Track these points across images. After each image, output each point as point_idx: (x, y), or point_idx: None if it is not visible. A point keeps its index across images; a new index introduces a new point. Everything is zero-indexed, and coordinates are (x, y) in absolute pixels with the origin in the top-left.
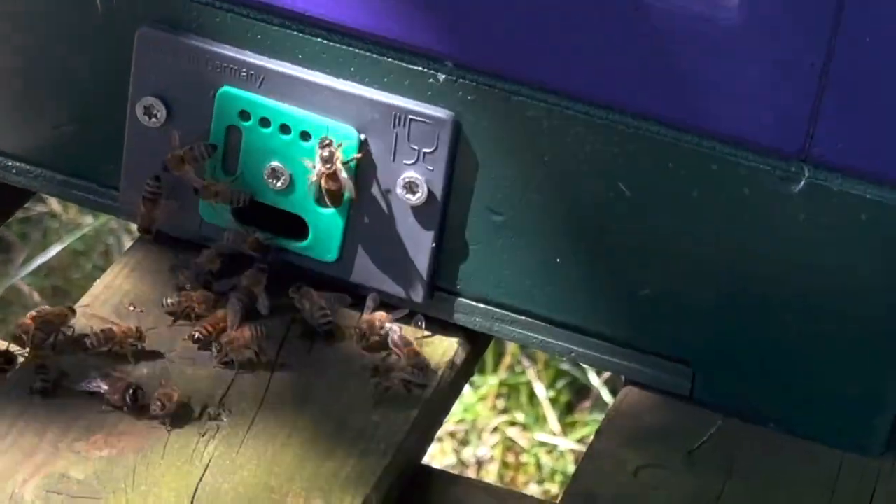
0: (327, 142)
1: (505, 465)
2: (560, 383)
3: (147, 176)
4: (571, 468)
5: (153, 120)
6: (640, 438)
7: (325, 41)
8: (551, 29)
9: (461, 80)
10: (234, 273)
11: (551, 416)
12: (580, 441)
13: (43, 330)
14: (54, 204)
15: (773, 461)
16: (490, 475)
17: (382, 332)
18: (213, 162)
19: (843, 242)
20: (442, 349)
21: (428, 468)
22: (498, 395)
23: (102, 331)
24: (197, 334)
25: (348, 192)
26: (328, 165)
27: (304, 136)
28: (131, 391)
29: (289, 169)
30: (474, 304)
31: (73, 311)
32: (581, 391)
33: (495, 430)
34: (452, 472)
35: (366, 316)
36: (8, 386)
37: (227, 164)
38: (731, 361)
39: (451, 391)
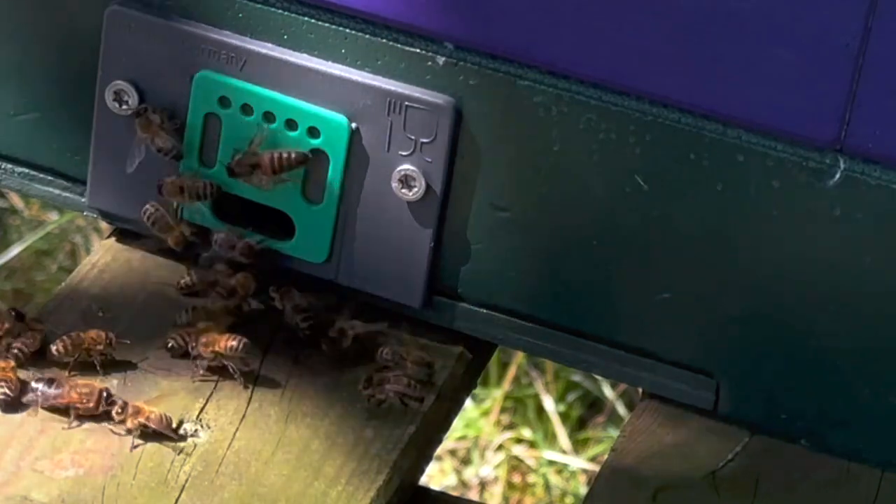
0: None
1: (510, 486)
2: (571, 396)
3: (117, 168)
4: (583, 490)
5: (124, 107)
6: (658, 457)
7: (312, 20)
8: (561, 7)
9: (462, 63)
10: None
11: (561, 432)
12: (593, 460)
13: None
14: (15, 199)
15: (805, 482)
16: (494, 497)
17: (355, 342)
18: (189, 154)
19: (881, 240)
20: (441, 359)
21: (426, 489)
22: (503, 410)
23: (69, 336)
24: (171, 343)
25: None
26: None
27: (290, 124)
28: (105, 395)
29: None
30: (477, 309)
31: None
32: (594, 405)
33: (500, 447)
34: (453, 493)
35: (338, 323)
36: None
37: (205, 155)
38: (759, 372)
39: (451, 405)
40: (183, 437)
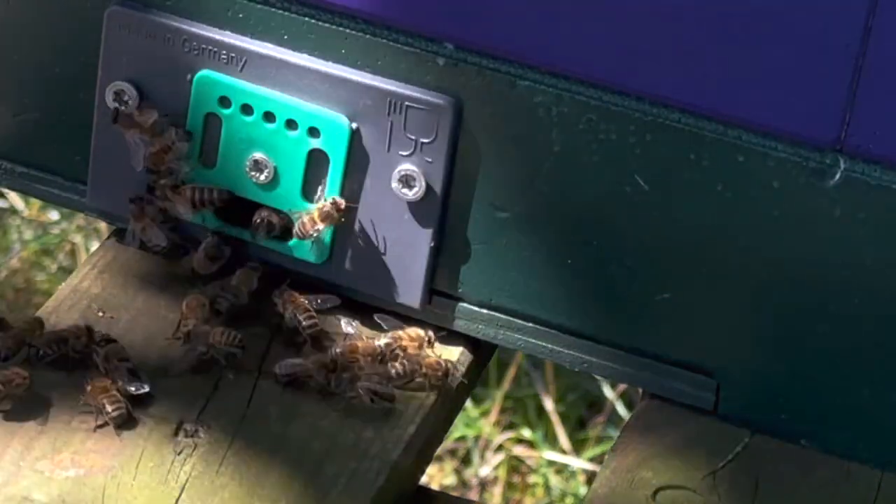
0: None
1: (510, 486)
2: (571, 396)
3: (117, 168)
4: (583, 490)
5: (124, 107)
6: (659, 457)
7: (312, 20)
8: (561, 7)
9: (462, 64)
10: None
11: (561, 432)
12: (593, 460)
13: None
14: (15, 199)
15: (805, 482)
16: (494, 497)
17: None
18: (191, 154)
19: (882, 240)
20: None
21: (426, 489)
22: (503, 410)
23: (54, 333)
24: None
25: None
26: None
27: (290, 124)
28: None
29: (273, 161)
30: (477, 309)
31: (42, 324)
32: (594, 405)
33: (500, 447)
34: (453, 493)
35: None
36: None
37: (206, 155)
38: (759, 372)
39: (451, 405)
40: (183, 437)
